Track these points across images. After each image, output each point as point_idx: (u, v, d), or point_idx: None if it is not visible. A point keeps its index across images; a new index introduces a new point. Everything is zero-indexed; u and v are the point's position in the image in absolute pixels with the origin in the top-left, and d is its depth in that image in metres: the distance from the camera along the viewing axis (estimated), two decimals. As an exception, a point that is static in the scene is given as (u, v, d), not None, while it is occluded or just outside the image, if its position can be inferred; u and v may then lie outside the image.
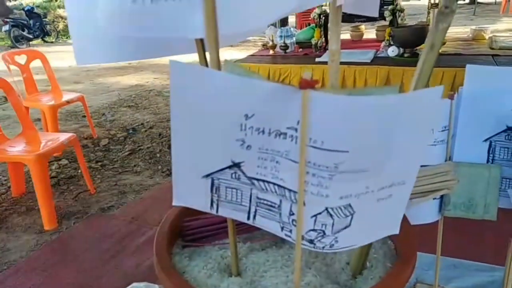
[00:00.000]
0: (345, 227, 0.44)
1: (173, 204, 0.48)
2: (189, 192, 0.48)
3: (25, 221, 2.44)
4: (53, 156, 3.18)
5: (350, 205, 0.42)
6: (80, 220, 2.42)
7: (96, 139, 3.72)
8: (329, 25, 0.52)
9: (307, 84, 0.35)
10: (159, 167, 3.13)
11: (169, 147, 3.42)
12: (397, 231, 0.47)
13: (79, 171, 2.92)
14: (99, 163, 3.22)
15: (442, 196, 0.62)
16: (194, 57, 0.48)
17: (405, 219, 0.56)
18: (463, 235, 1.48)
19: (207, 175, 0.45)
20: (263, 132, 0.40)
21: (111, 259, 2.00)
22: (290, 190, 0.42)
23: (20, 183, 2.72)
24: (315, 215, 0.42)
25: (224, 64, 0.45)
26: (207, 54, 0.45)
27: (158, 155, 3.35)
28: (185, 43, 0.48)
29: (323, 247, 0.45)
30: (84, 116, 4.13)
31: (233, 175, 0.44)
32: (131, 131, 3.95)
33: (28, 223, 2.41)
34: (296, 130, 0.38)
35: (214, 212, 0.49)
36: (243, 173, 0.44)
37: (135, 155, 3.38)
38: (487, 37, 3.46)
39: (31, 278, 1.89)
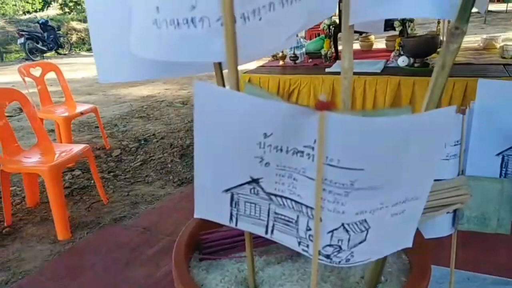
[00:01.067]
0: (361, 242, 0.45)
1: (194, 216, 0.50)
2: (209, 206, 0.49)
3: (39, 231, 2.47)
4: (67, 167, 3.23)
5: (365, 221, 0.43)
6: (93, 231, 2.45)
7: (108, 149, 3.77)
8: (339, 35, 0.53)
9: (323, 106, 0.37)
10: (171, 177, 3.16)
11: (180, 157, 3.47)
12: (410, 244, 0.48)
13: (92, 181, 2.96)
14: (112, 174, 3.25)
15: (455, 210, 0.62)
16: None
17: (419, 233, 0.57)
18: (477, 249, 1.47)
19: (227, 190, 0.47)
20: (281, 150, 0.41)
21: (123, 269, 2.02)
22: (307, 206, 0.44)
23: (34, 193, 2.77)
24: (332, 231, 0.43)
25: (245, 86, 0.46)
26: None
27: (169, 165, 3.38)
28: (204, 63, 0.50)
29: (339, 262, 0.46)
30: (97, 127, 4.20)
31: (252, 191, 0.46)
32: (143, 142, 3.99)
33: (42, 233, 2.45)
34: (312, 148, 0.40)
35: (233, 225, 0.50)
36: (262, 188, 0.45)
37: (147, 165, 3.42)
38: (498, 46, 3.44)
39: (45, 288, 1.91)
